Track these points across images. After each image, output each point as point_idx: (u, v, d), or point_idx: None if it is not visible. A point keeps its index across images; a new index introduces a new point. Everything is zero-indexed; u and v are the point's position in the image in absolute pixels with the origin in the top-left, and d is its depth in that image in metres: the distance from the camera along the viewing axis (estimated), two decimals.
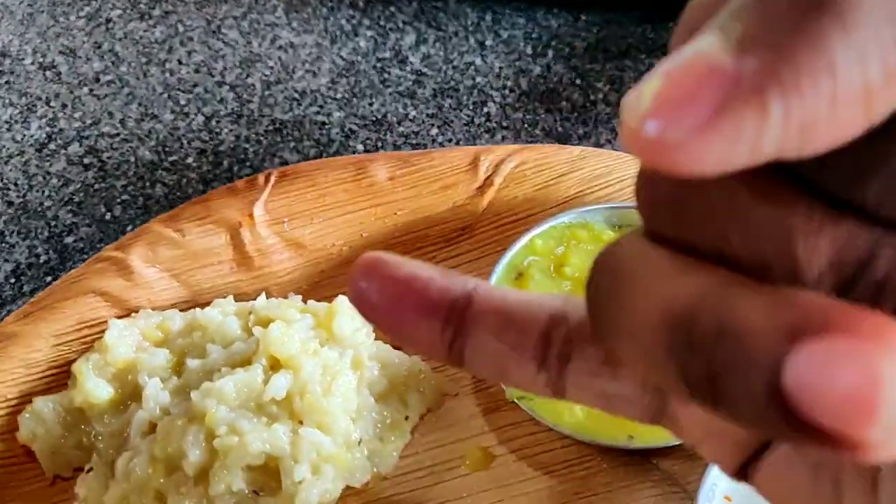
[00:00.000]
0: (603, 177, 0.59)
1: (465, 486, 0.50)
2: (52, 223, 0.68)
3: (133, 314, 0.55)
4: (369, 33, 0.83)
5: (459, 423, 0.52)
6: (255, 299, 0.56)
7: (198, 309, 0.54)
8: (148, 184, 0.70)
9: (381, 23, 0.84)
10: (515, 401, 0.49)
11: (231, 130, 0.74)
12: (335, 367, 0.50)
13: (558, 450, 0.50)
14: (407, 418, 0.52)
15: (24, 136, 0.76)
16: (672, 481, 0.48)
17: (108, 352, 0.51)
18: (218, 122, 0.75)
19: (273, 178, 0.60)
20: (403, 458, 0.51)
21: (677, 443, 0.47)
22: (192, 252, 0.58)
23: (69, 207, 0.69)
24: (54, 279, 0.64)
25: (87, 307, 0.55)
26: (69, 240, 0.67)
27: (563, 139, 0.70)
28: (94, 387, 0.50)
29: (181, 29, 0.86)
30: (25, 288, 0.64)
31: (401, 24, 0.83)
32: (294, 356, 0.50)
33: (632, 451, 0.48)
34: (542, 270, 0.53)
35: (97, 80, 0.81)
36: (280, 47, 0.82)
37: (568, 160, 0.60)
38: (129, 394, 0.51)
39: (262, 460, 0.47)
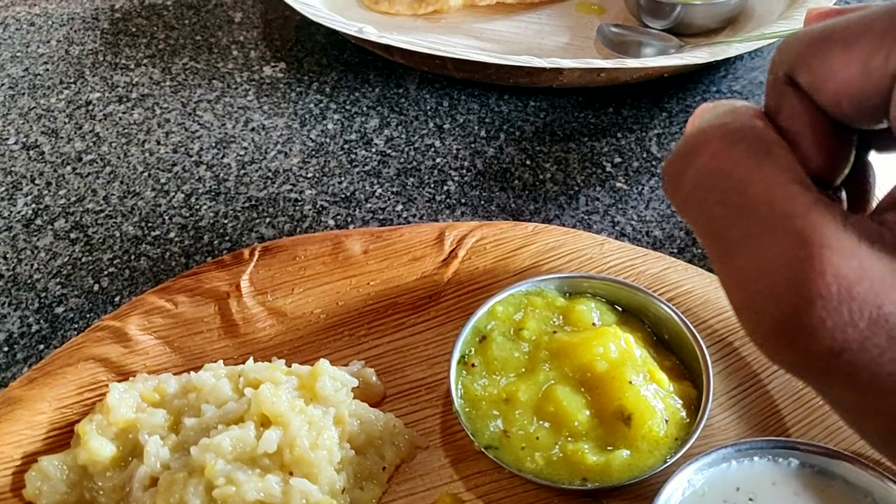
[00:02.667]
0: (554, 250, 0.66)
1: None
2: (42, 295, 0.73)
3: (130, 378, 0.60)
4: (336, 117, 0.90)
5: (431, 473, 0.58)
6: (241, 363, 0.62)
7: (192, 372, 0.59)
8: (133, 257, 0.76)
9: (347, 107, 0.91)
10: (483, 451, 0.55)
11: (210, 207, 0.80)
12: (320, 423, 0.56)
13: (521, 494, 0.56)
14: (384, 469, 0.58)
15: (11, 212, 0.80)
16: None
17: (110, 413, 0.56)
18: (197, 199, 0.81)
19: (257, 253, 0.66)
20: None
21: (623, 484, 0.53)
22: (183, 321, 0.63)
23: (58, 280, 0.74)
24: (47, 347, 0.69)
25: (87, 372, 0.60)
26: (59, 310, 0.71)
27: (517, 215, 0.77)
28: (98, 445, 0.55)
29: (158, 111, 0.92)
30: (19, 356, 0.68)
31: (365, 109, 0.91)
32: (283, 413, 0.55)
33: (585, 493, 0.55)
34: (503, 334, 0.60)
35: (80, 159, 0.86)
36: (253, 129, 0.89)
37: (523, 235, 0.67)
38: (130, 451, 0.56)
39: None
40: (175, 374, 0.61)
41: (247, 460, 0.54)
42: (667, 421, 0.55)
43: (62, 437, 0.58)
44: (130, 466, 0.55)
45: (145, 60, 1.00)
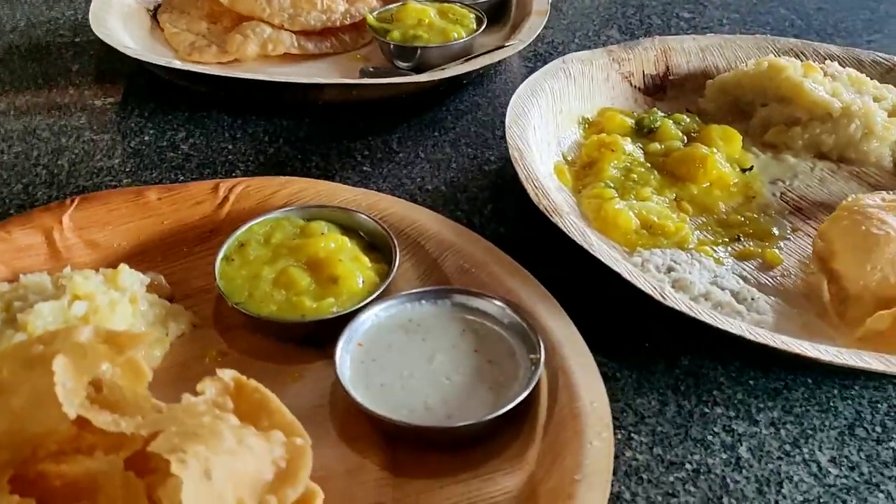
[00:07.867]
0: (301, 192, 0.92)
1: None
2: None
3: None
4: (152, 132, 1.14)
5: (205, 339, 0.80)
6: None
7: (21, 274, 0.80)
8: None
9: (161, 126, 1.15)
10: (234, 305, 0.78)
11: (44, 192, 1.02)
12: (118, 302, 0.78)
13: (260, 337, 0.79)
14: (167, 334, 0.79)
15: None
16: None
17: None
18: (34, 189, 1.02)
19: (77, 199, 0.89)
20: None
21: (327, 318, 0.77)
22: (16, 247, 0.84)
23: None
24: None
25: None
26: None
27: None
28: None
29: (2, 131, 1.14)
30: None
31: (175, 126, 1.15)
32: (91, 293, 0.77)
33: (304, 326, 0.78)
34: (256, 241, 0.84)
35: None
36: (83, 141, 1.12)
37: (277, 184, 0.92)
38: None
39: None
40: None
41: (60, 324, 0.75)
42: (363, 282, 0.80)
43: None
44: None
45: None
